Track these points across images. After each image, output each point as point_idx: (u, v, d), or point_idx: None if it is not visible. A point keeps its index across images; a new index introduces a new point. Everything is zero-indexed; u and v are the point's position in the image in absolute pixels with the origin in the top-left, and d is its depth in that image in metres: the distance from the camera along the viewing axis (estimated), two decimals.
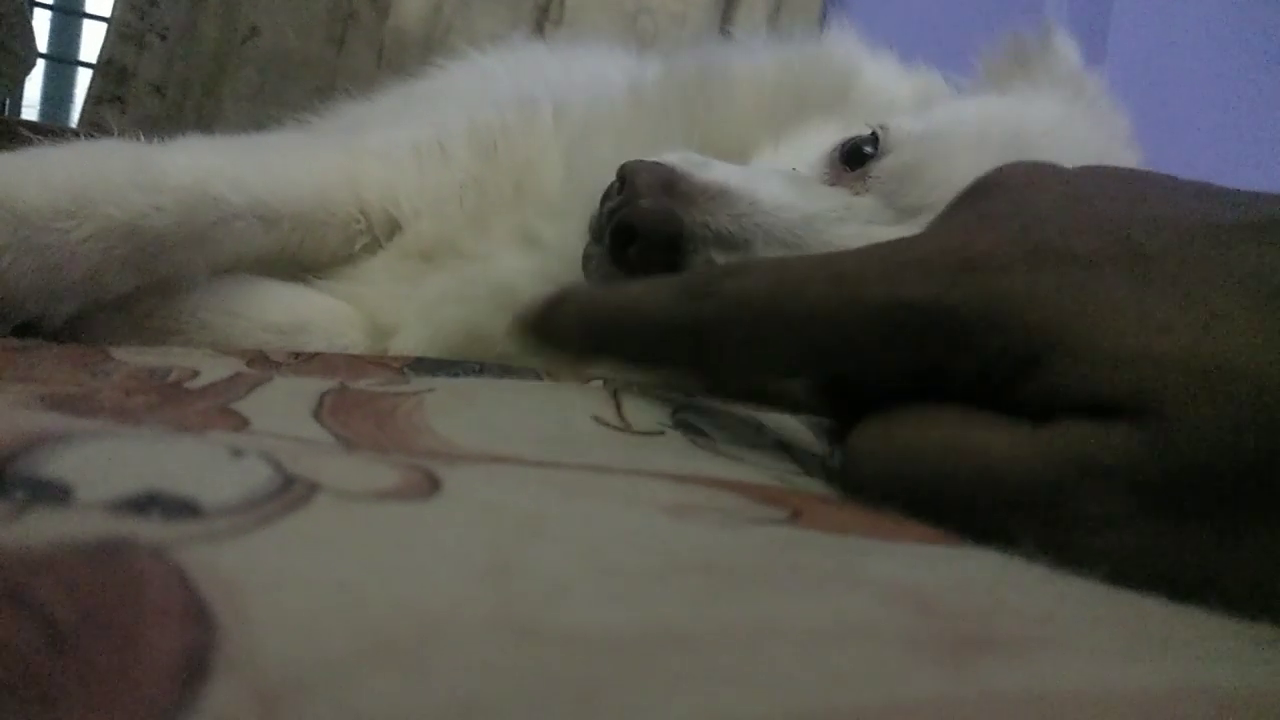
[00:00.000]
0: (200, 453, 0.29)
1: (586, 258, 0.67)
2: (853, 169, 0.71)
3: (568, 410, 0.49)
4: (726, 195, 0.63)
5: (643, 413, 0.52)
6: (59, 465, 0.26)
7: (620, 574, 0.23)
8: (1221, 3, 2.68)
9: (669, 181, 0.62)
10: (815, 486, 0.41)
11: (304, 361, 0.68)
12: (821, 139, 0.77)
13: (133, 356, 0.59)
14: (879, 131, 0.72)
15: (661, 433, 0.48)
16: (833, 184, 0.71)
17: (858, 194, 0.69)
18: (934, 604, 0.24)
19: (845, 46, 0.89)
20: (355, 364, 0.70)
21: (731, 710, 0.17)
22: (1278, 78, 2.51)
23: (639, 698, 0.18)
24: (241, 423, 0.41)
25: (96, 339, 0.74)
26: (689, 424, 0.50)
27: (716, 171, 0.64)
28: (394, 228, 0.93)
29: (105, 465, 0.27)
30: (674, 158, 0.65)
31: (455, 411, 0.45)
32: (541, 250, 0.83)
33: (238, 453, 0.29)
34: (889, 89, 0.86)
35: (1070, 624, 0.24)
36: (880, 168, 0.69)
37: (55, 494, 0.25)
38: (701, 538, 0.28)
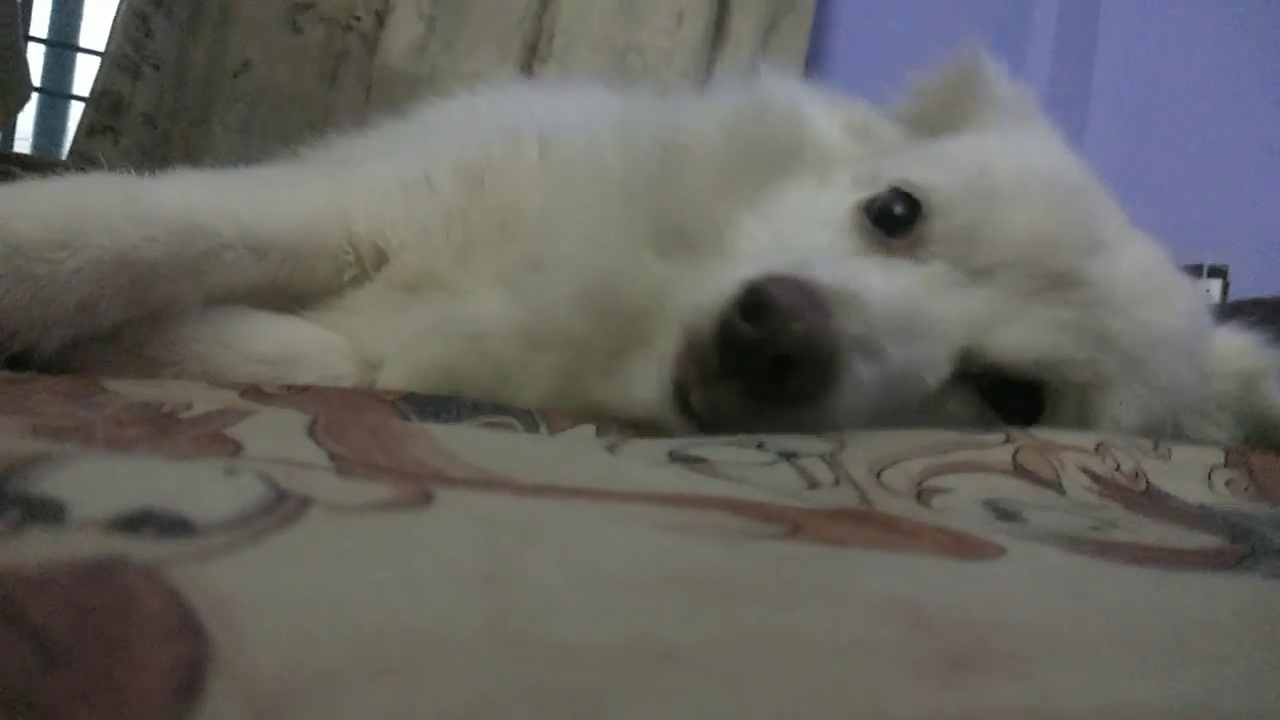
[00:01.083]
0: (194, 471, 0.29)
1: (703, 402, 0.60)
2: (890, 233, 0.70)
3: (565, 445, 0.49)
4: (856, 299, 0.59)
5: (639, 450, 0.52)
6: (54, 484, 0.26)
7: (611, 586, 0.23)
8: (1209, 7, 2.72)
9: (812, 298, 0.57)
10: (823, 500, 0.41)
11: (296, 394, 0.68)
12: (816, 198, 0.77)
13: (126, 389, 0.59)
14: (905, 188, 0.71)
15: (660, 466, 0.48)
16: (886, 254, 0.70)
17: (922, 261, 0.69)
18: (930, 619, 0.24)
19: (783, 94, 0.87)
20: (349, 397, 0.70)
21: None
22: (1266, 80, 2.54)
23: (625, 710, 0.18)
24: (235, 448, 0.40)
25: (90, 370, 0.74)
26: (686, 456, 0.49)
27: (826, 275, 0.60)
28: (382, 259, 0.93)
29: (100, 484, 0.27)
30: (780, 263, 0.61)
31: (453, 433, 0.45)
32: (519, 297, 0.83)
33: (231, 471, 0.29)
34: (832, 129, 0.86)
35: (1077, 640, 0.24)
36: (937, 232, 0.69)
37: (50, 512, 0.24)
38: (694, 551, 0.28)
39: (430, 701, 0.17)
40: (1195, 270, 2.69)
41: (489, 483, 0.36)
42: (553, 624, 0.21)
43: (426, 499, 0.30)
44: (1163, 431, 0.71)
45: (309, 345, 0.89)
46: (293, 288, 0.89)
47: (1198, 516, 0.54)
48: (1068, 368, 0.66)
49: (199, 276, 0.78)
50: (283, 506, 0.27)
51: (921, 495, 0.49)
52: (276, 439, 0.43)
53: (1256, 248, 2.56)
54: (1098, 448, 0.62)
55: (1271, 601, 0.34)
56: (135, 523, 0.25)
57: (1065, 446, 0.60)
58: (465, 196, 0.94)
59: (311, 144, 1.31)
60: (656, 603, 0.23)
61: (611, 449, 0.50)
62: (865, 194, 0.74)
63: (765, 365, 0.57)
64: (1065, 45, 2.85)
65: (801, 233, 0.74)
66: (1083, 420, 0.67)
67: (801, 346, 0.56)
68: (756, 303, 0.57)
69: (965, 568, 0.31)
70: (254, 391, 0.65)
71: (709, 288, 0.61)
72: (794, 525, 0.33)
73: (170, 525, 0.25)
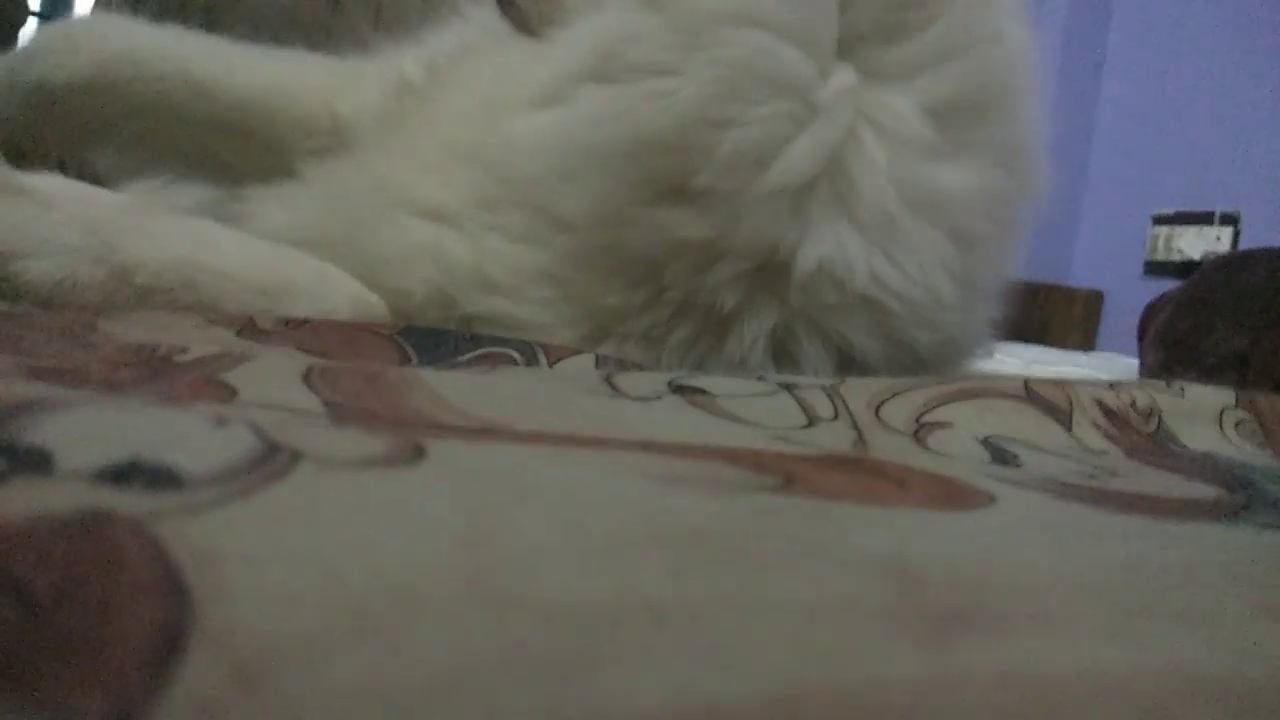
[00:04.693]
0: (184, 421, 0.29)
1: None
2: None
3: (563, 382, 0.49)
4: None
5: (637, 382, 0.51)
6: (41, 432, 0.26)
7: (600, 544, 0.23)
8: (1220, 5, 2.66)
9: None
10: (819, 441, 0.41)
11: (293, 329, 0.67)
12: None
13: (119, 329, 0.59)
14: None
15: (658, 398, 0.48)
16: None
17: None
18: (919, 578, 0.24)
19: None
20: (345, 332, 0.70)
21: (705, 689, 0.17)
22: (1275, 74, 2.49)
23: (614, 675, 0.18)
24: (230, 393, 0.40)
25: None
26: (685, 387, 0.49)
27: None
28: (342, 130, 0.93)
29: (88, 433, 0.26)
30: None
31: (450, 381, 0.45)
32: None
33: (222, 421, 0.29)
34: None
35: (1061, 600, 0.24)
36: None
37: (35, 463, 0.24)
38: (686, 507, 0.28)
39: (415, 663, 0.17)
40: (1207, 218, 2.65)
41: (483, 431, 0.36)
42: (538, 581, 0.21)
43: (418, 454, 0.30)
44: None
45: (305, 277, 0.88)
46: (261, 144, 0.90)
47: (1199, 466, 0.54)
48: None
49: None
50: (273, 460, 0.27)
51: (919, 432, 0.49)
52: (272, 383, 0.42)
53: (1267, 196, 2.53)
54: (1112, 384, 0.62)
55: (1259, 554, 0.34)
56: (123, 474, 0.25)
57: (1080, 381, 0.60)
58: (427, 79, 0.92)
59: None
60: (643, 562, 0.23)
61: (609, 380, 0.50)
62: None
63: None
64: (1079, 18, 2.79)
65: None
66: None
67: None
68: None
69: (955, 519, 0.31)
70: (250, 329, 0.65)
71: None
72: (788, 477, 0.33)
73: (158, 477, 0.25)
